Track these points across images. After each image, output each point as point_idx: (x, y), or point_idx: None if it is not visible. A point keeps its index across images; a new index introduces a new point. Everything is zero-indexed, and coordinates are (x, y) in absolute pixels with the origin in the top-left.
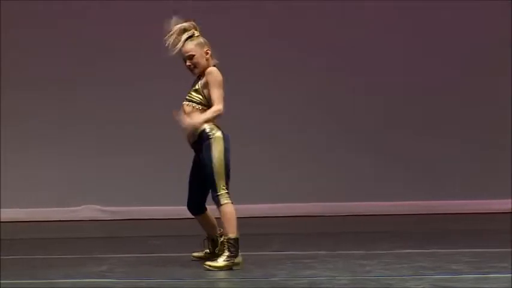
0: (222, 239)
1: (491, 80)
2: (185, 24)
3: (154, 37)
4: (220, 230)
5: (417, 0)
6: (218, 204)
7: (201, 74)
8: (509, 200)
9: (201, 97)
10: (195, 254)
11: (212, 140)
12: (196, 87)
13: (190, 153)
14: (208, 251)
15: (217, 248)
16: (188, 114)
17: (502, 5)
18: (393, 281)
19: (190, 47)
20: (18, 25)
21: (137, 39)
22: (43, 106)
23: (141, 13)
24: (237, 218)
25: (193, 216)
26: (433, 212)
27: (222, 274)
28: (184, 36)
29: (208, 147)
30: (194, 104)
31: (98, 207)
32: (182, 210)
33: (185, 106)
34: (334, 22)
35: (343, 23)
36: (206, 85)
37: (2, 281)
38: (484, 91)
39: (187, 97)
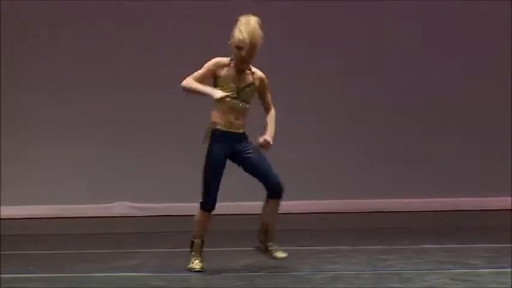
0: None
1: (492, 80)
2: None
3: (172, 41)
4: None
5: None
6: (282, 192)
7: (243, 71)
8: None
9: (249, 99)
10: (198, 266)
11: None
12: (249, 88)
13: None
14: (201, 258)
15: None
16: (243, 114)
17: (501, 5)
18: (413, 275)
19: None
20: (25, 26)
21: (154, 41)
22: (77, 105)
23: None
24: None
25: (207, 213)
26: (448, 209)
27: (248, 267)
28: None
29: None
30: (248, 105)
31: (130, 204)
32: None
33: (242, 106)
34: (340, 22)
35: (350, 23)
36: (259, 88)
37: (37, 274)
38: (485, 91)
39: (243, 96)
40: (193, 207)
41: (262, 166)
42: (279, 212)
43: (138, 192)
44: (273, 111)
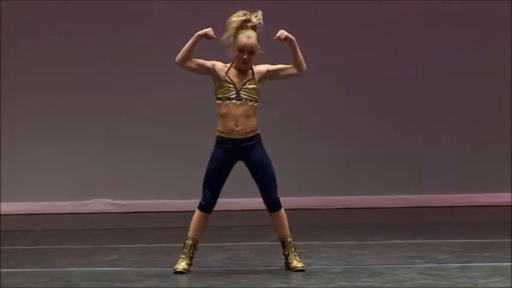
0: (289, 239)
1: (492, 77)
2: (251, 18)
3: (162, 39)
4: None
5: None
6: (279, 206)
7: (244, 71)
8: (498, 194)
9: (256, 95)
10: (181, 267)
11: (261, 142)
12: (253, 85)
13: (198, 149)
14: (189, 260)
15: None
16: (248, 115)
17: (501, 4)
18: (383, 270)
19: (255, 42)
20: (22, 25)
21: (144, 39)
22: (56, 103)
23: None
24: (238, 210)
25: (204, 214)
26: (416, 206)
27: (223, 262)
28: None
29: (261, 148)
30: (252, 103)
31: (108, 200)
32: (186, 204)
33: (246, 105)
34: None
35: (343, 24)
36: (265, 75)
37: (16, 269)
38: (485, 88)
39: (245, 95)
40: (171, 203)
41: (263, 179)
42: (284, 220)
43: (117, 189)
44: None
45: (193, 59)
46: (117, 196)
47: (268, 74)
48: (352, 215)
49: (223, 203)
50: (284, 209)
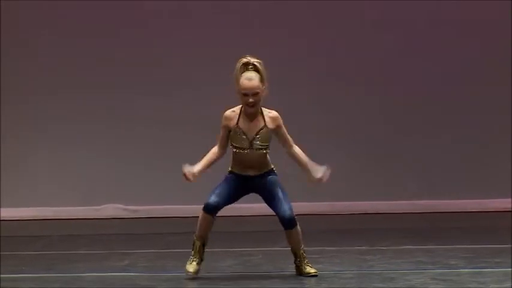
0: (301, 251)
1: (492, 80)
2: (250, 59)
3: (162, 39)
4: None
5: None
6: (293, 224)
7: (254, 116)
8: (509, 199)
9: (267, 143)
10: (192, 269)
11: (274, 173)
12: (265, 134)
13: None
14: (200, 260)
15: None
16: (261, 159)
17: (501, 4)
18: (395, 275)
19: (257, 83)
20: (22, 25)
21: (144, 39)
22: (68, 107)
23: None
24: (251, 216)
25: (207, 215)
26: (428, 211)
27: (235, 267)
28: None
29: (273, 176)
30: (265, 151)
31: (120, 206)
32: (198, 209)
33: (259, 153)
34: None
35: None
36: (275, 129)
37: (29, 275)
38: (485, 91)
39: (258, 145)
40: (182, 209)
41: (274, 202)
42: (298, 237)
43: (128, 194)
44: (297, 148)
45: (222, 144)
46: (128, 201)
47: (274, 133)
48: (362, 221)
49: (237, 208)
50: (296, 215)
